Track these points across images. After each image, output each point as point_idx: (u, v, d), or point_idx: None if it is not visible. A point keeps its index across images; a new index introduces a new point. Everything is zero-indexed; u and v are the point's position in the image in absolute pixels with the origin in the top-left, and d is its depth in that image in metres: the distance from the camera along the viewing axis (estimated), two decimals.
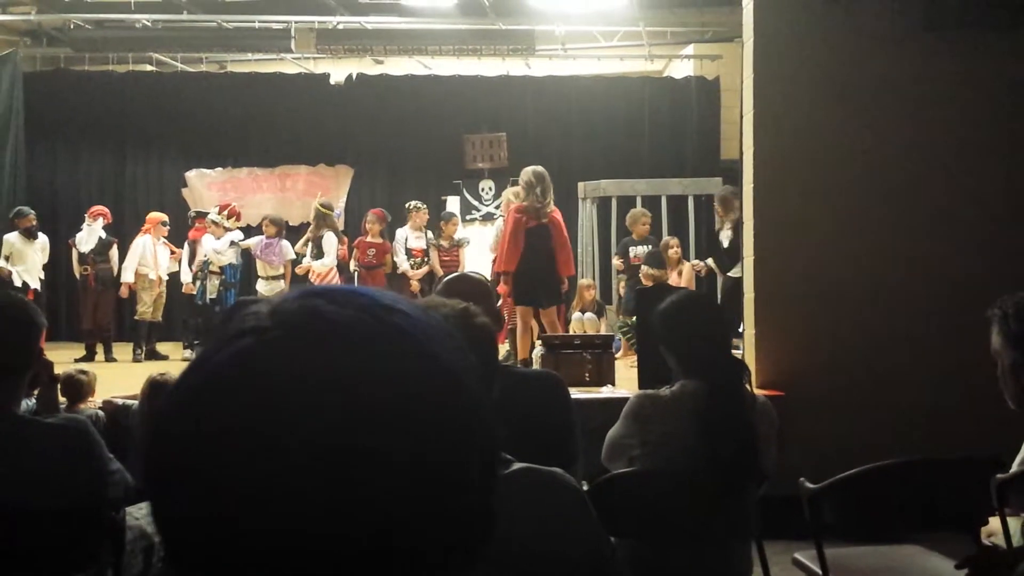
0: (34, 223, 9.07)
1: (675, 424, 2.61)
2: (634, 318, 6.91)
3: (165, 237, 9.54)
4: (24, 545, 2.37)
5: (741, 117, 5.65)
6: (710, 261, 8.52)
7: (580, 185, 10.02)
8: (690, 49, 12.04)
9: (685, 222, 9.95)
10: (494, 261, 7.49)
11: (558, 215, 6.77)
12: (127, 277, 9.18)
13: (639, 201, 9.57)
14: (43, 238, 9.19)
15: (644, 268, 7.33)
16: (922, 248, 4.99)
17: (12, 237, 9.03)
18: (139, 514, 3.03)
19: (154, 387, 3.93)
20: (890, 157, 5.04)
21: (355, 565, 0.55)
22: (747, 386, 2.71)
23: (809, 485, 2.92)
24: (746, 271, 5.37)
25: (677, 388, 2.67)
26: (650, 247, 8.53)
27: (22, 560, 2.39)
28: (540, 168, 6.79)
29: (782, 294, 5.09)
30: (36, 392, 2.62)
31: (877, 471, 2.91)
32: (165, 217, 9.74)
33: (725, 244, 7.98)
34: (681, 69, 12.46)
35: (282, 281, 9.12)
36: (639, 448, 2.67)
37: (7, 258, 8.92)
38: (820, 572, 2.88)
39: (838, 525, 2.95)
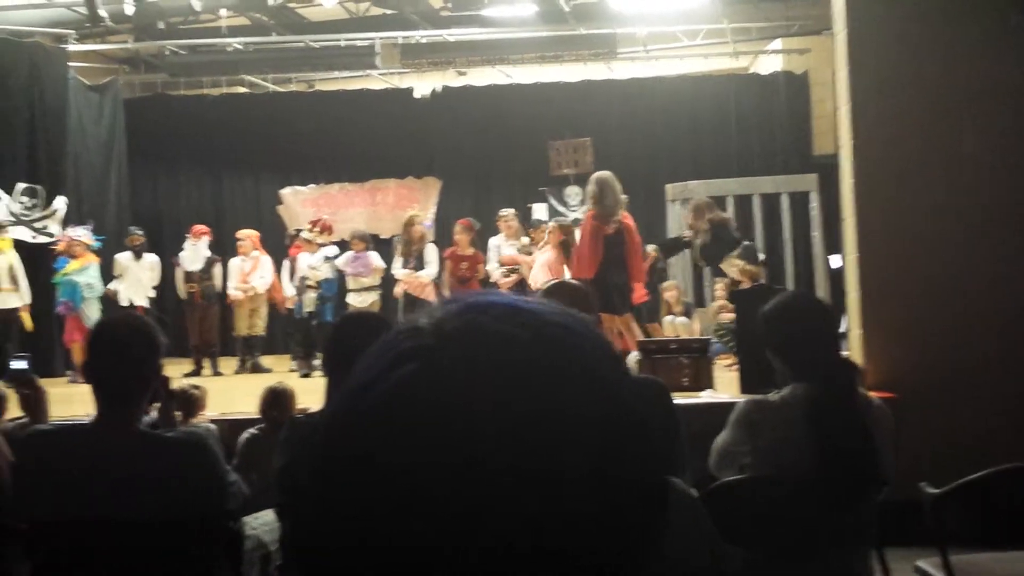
0: (139, 243, 9.44)
1: (786, 430, 2.53)
2: (731, 320, 6.78)
3: (253, 253, 9.79)
4: (147, 556, 2.45)
5: (836, 111, 5.51)
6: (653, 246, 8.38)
7: (667, 187, 9.92)
8: (777, 44, 11.81)
9: (778, 221, 9.74)
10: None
11: (630, 221, 6.69)
12: (234, 294, 9.52)
13: (730, 201, 9.40)
14: (152, 257, 9.55)
15: (738, 263, 7.15)
16: None
17: (122, 256, 9.43)
18: (255, 524, 3.11)
19: (274, 395, 4.04)
20: (992, 148, 4.84)
21: None
22: (860, 388, 2.62)
23: (931, 490, 2.81)
24: (848, 269, 5.21)
25: (787, 393, 2.60)
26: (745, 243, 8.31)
27: (146, 571, 2.48)
28: (606, 173, 6.71)
29: (888, 292, 4.92)
30: (155, 407, 2.71)
31: (1003, 474, 2.79)
32: (255, 234, 9.98)
33: (698, 248, 7.77)
34: (768, 65, 12.22)
35: (374, 292, 9.28)
36: (750, 456, 2.60)
37: (117, 276, 9.32)
38: None
39: (962, 531, 2.84)
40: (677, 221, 9.72)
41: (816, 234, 9.63)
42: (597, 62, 11.47)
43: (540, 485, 0.53)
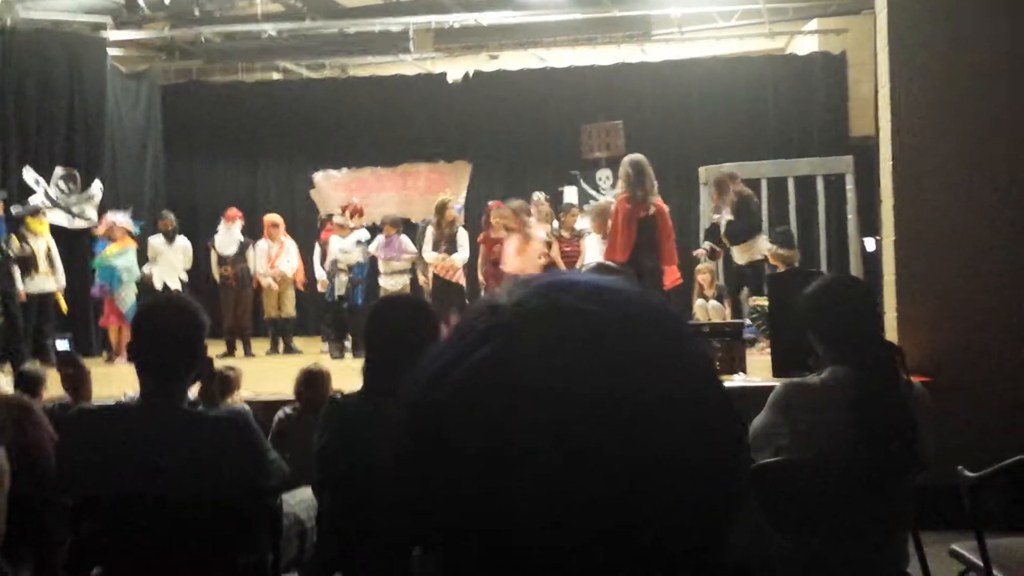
0: (172, 226, 9.55)
1: (827, 413, 2.52)
2: (765, 303, 6.73)
3: (280, 238, 9.88)
4: (191, 531, 2.50)
5: (875, 92, 5.43)
6: (707, 244, 8.20)
7: (701, 170, 9.84)
8: (813, 24, 11.65)
9: (814, 203, 9.64)
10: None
11: (662, 204, 6.64)
12: (264, 279, 9.61)
13: (764, 184, 9.31)
14: (183, 241, 9.67)
15: (772, 248, 7.08)
16: None
17: (155, 240, 9.56)
18: (293, 501, 3.16)
19: (309, 376, 4.10)
20: None
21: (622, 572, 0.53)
22: (902, 372, 2.60)
23: (969, 474, 2.79)
24: (886, 252, 5.15)
25: (827, 375, 2.58)
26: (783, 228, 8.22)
27: (189, 545, 2.53)
28: (638, 156, 6.66)
29: (925, 275, 4.86)
30: (198, 386, 2.76)
31: None
32: (279, 219, 10.07)
33: (724, 227, 7.65)
34: (804, 45, 12.06)
35: (405, 276, 9.34)
36: (787, 438, 2.59)
37: (151, 260, 9.45)
38: (981, 563, 2.75)
39: (999, 515, 2.81)
40: (711, 204, 9.64)
41: (851, 217, 9.52)
42: (631, 44, 11.39)
43: (629, 467, 0.52)
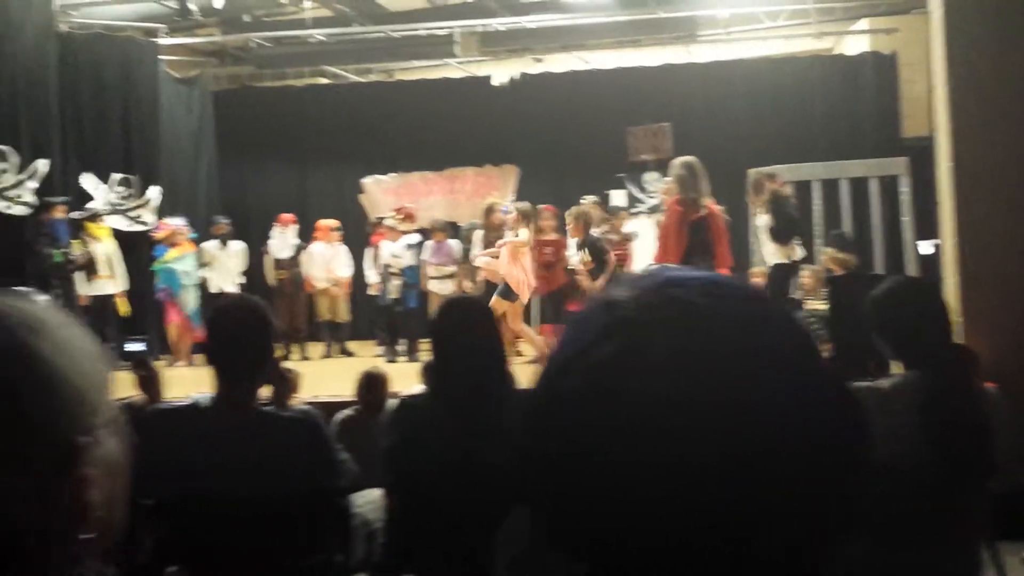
0: (226, 230, 9.73)
1: (897, 418, 2.49)
2: (820, 307, 6.65)
3: (337, 242, 10.00)
4: (264, 530, 2.54)
5: (929, 92, 5.35)
6: (830, 250, 7.89)
7: (750, 172, 9.74)
8: (863, 24, 11.50)
9: (866, 205, 9.51)
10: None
11: (715, 207, 6.58)
12: (315, 282, 9.74)
13: (816, 186, 9.21)
14: (238, 244, 9.84)
15: (830, 251, 6.99)
16: None
17: (209, 245, 9.74)
18: (361, 502, 3.20)
19: (369, 379, 4.16)
20: None
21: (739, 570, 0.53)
22: (974, 376, 2.56)
23: None
24: (946, 254, 5.08)
25: (899, 380, 2.55)
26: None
27: (262, 544, 2.57)
28: (691, 159, 6.60)
29: (987, 278, 4.78)
30: (269, 388, 2.80)
31: None
32: (334, 223, 10.19)
33: (764, 230, 7.47)
34: (853, 45, 11.91)
35: (455, 280, 9.40)
36: None
37: (205, 265, 9.62)
38: None
39: None
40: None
41: (906, 219, 9.37)
42: (676, 46, 11.33)
43: (754, 461, 0.52)
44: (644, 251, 9.39)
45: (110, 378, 0.77)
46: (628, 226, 9.58)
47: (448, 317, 2.76)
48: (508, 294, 8.08)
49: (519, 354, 8.46)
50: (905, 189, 9.35)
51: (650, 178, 11.52)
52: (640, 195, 11.62)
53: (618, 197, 11.24)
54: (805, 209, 8.99)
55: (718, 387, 0.53)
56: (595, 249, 8.18)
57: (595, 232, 9.23)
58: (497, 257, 8.34)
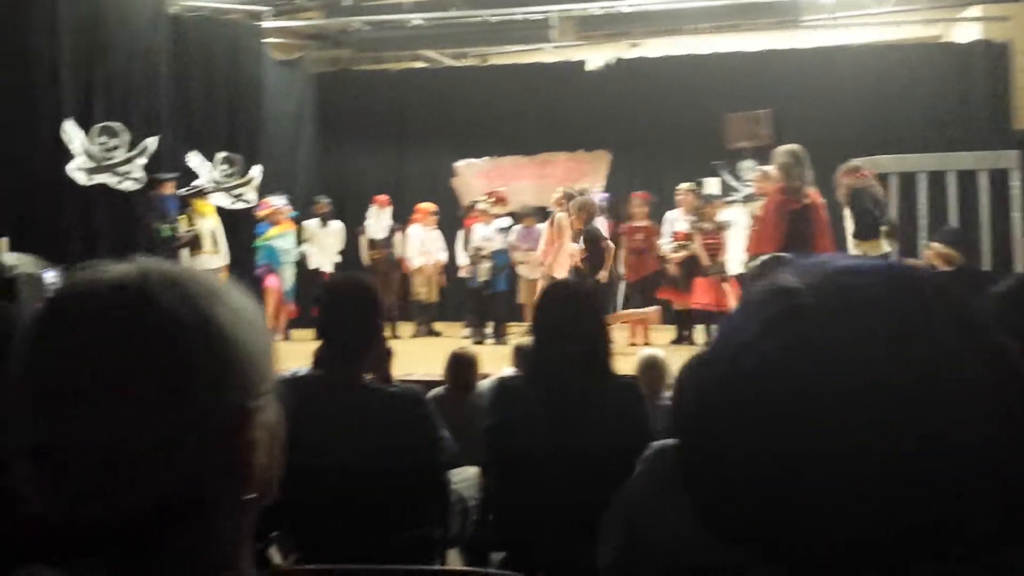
0: (327, 210, 10.00)
1: None
2: None
3: (434, 226, 10.16)
4: (367, 500, 2.62)
5: None
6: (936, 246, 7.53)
7: (854, 162, 9.49)
8: (974, 11, 11.03)
9: (974, 199, 9.15)
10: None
11: (818, 198, 6.41)
12: (413, 262, 9.91)
13: (922, 177, 8.91)
14: (337, 224, 10.10)
15: (938, 246, 6.74)
16: None
17: (310, 223, 10.02)
18: (456, 479, 3.25)
19: (458, 360, 4.23)
20: None
21: (915, 552, 0.53)
22: None
23: None
24: None
25: None
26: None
27: (366, 514, 2.65)
28: (796, 146, 6.44)
29: None
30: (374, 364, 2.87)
31: None
32: (434, 207, 10.35)
33: (853, 226, 7.07)
34: (964, 33, 11.44)
35: (540, 265, 9.43)
36: None
37: (305, 241, 9.90)
38: None
39: None
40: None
41: (1016, 215, 8.99)
42: (778, 31, 11.07)
43: (935, 448, 0.52)
44: (738, 240, 9.24)
45: (274, 346, 0.81)
46: (722, 215, 9.44)
47: (551, 301, 2.78)
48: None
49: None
50: (1016, 183, 8.97)
51: (746, 166, 11.30)
52: (735, 183, 11.41)
53: (712, 185, 11.07)
54: (910, 201, 8.71)
55: (907, 371, 0.53)
56: (591, 240, 8.17)
57: (687, 220, 9.15)
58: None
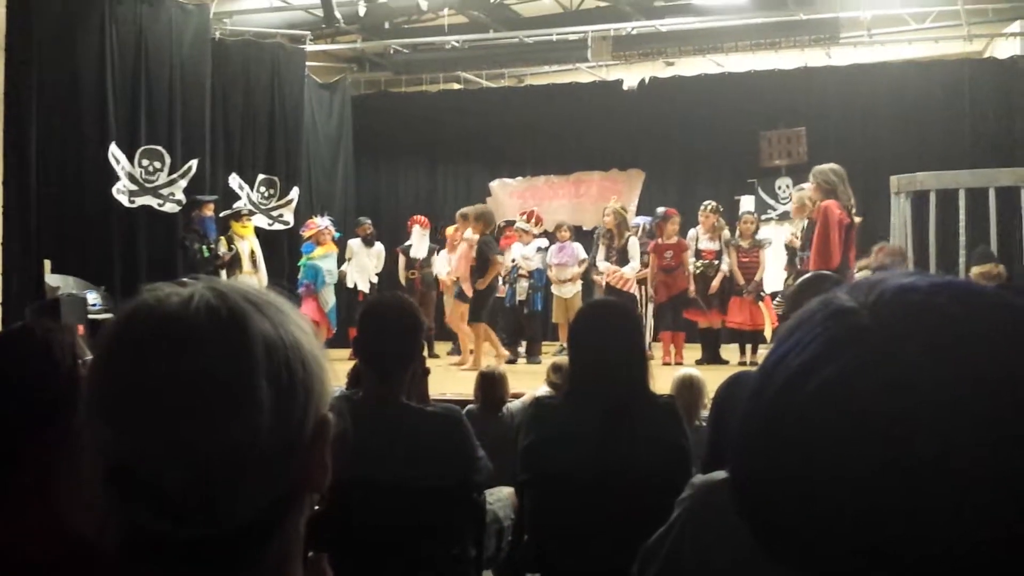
0: (370, 231, 10.12)
1: None
2: None
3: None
4: (405, 519, 2.63)
5: None
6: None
7: (893, 179, 9.38)
8: (1016, 26, 10.89)
9: (1017, 216, 8.98)
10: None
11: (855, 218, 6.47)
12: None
13: (961, 194, 8.78)
14: (379, 246, 10.22)
15: (977, 269, 6.67)
16: None
17: (354, 243, 10.15)
18: (491, 499, 3.26)
19: (487, 378, 4.23)
20: None
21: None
22: None
23: None
24: None
25: None
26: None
27: (403, 533, 2.66)
28: (837, 166, 6.53)
29: None
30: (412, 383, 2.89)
31: None
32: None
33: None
34: (1006, 48, 11.30)
35: (576, 284, 9.42)
36: None
37: (347, 262, 10.02)
38: None
39: None
40: (902, 215, 9.21)
41: None
42: (815, 48, 11.02)
43: (1006, 480, 0.50)
44: (775, 259, 9.18)
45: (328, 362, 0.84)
46: (761, 233, 9.38)
47: (588, 319, 2.79)
48: (463, 296, 8.60)
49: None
50: None
51: (782, 184, 11.24)
52: (771, 201, 11.35)
53: (748, 203, 11.02)
54: (950, 218, 8.59)
55: (982, 387, 0.51)
56: (482, 251, 8.51)
57: (726, 237, 9.09)
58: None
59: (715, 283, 8.93)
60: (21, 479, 1.67)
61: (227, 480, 0.72)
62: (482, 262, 8.48)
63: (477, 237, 8.53)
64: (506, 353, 8.53)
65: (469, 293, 8.54)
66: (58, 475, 1.40)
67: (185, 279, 0.78)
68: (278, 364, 0.74)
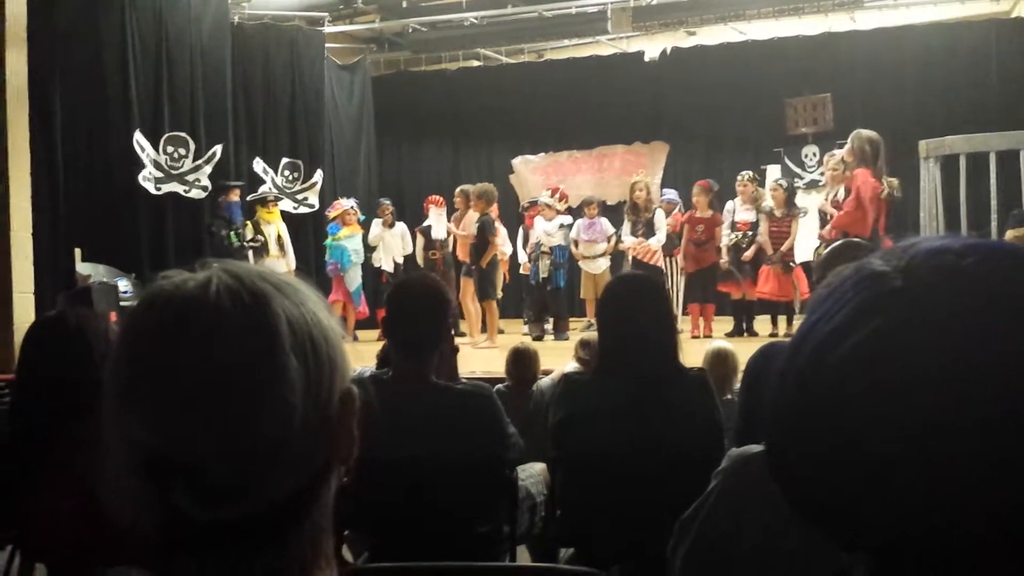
0: (389, 212, 10.12)
1: None
2: None
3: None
4: (437, 497, 2.64)
5: None
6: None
7: (921, 144, 9.23)
8: None
9: None
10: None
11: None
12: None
13: (992, 158, 8.63)
14: (401, 226, 10.23)
15: (1012, 232, 6.57)
16: None
17: (375, 224, 10.14)
18: (523, 475, 3.26)
19: (518, 355, 4.23)
20: None
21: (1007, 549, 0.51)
22: None
23: None
24: None
25: None
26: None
27: (435, 511, 2.67)
28: (874, 133, 6.45)
29: None
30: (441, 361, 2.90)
31: None
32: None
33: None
34: None
35: (606, 259, 9.38)
36: None
37: (372, 242, 10.06)
38: None
39: None
40: (932, 180, 9.07)
41: None
42: (839, 13, 10.83)
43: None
44: (809, 228, 9.06)
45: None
46: (798, 200, 9.27)
47: (617, 294, 2.77)
48: (469, 273, 8.72)
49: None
50: None
51: (809, 152, 11.10)
52: (797, 169, 11.21)
53: (774, 172, 10.89)
54: (980, 182, 8.47)
55: (1014, 353, 0.51)
56: (482, 230, 8.61)
57: (746, 209, 9.01)
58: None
59: (748, 253, 8.85)
60: (59, 458, 1.69)
61: (266, 460, 0.72)
62: (481, 241, 8.58)
63: (477, 215, 8.61)
64: (497, 344, 8.48)
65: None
66: (96, 458, 1.42)
67: (195, 264, 0.78)
68: (303, 340, 0.75)
